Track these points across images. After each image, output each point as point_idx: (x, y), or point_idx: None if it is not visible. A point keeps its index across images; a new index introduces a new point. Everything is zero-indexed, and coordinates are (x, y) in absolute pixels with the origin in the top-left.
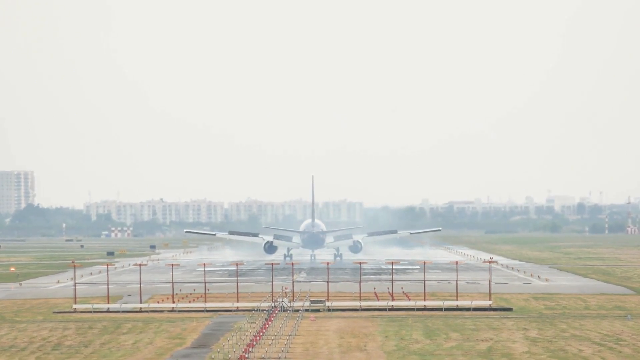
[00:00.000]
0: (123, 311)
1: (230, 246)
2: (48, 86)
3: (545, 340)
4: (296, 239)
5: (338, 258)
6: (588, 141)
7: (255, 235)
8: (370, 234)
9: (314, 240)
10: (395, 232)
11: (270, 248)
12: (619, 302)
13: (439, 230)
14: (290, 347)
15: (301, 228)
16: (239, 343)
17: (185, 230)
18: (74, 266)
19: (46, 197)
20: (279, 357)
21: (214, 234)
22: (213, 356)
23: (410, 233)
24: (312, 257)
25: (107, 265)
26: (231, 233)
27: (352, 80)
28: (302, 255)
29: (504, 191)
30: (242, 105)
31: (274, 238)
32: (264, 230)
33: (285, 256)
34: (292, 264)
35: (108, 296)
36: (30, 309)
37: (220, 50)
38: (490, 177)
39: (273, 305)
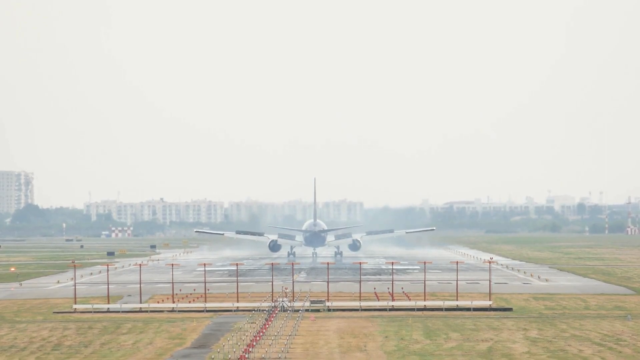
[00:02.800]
0: (123, 311)
1: (233, 245)
2: (48, 86)
3: (545, 341)
4: (299, 237)
5: (339, 256)
6: (588, 141)
7: (261, 234)
8: (369, 233)
9: (315, 238)
10: (392, 231)
11: (274, 246)
12: (619, 302)
13: (433, 229)
14: (290, 347)
15: (304, 227)
16: (239, 343)
17: (195, 230)
18: (74, 266)
19: (46, 197)
20: (279, 357)
21: (222, 234)
22: (213, 356)
23: (406, 232)
24: (314, 255)
25: (107, 265)
26: (238, 233)
27: (352, 81)
28: (304, 253)
29: (504, 191)
30: (242, 105)
31: (278, 237)
32: (268, 229)
33: (288, 254)
34: (293, 264)
35: (108, 296)
36: (30, 309)
37: (219, 49)
38: (490, 177)
39: (273, 305)
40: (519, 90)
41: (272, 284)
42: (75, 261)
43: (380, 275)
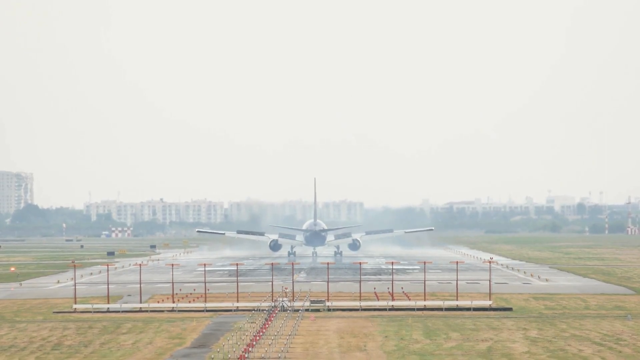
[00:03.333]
0: (123, 311)
1: (233, 245)
2: (48, 86)
3: (545, 340)
4: (299, 237)
5: (338, 255)
6: (588, 141)
7: (262, 234)
8: (368, 233)
9: (316, 238)
10: (391, 231)
11: (275, 246)
12: (619, 302)
13: (432, 229)
14: (290, 347)
15: (304, 227)
16: (238, 343)
17: (197, 230)
18: (74, 266)
19: (46, 197)
20: (279, 357)
21: (223, 234)
22: (213, 356)
23: (405, 232)
24: (314, 254)
25: (107, 265)
26: (239, 232)
27: (352, 81)
28: (304, 253)
29: (504, 191)
30: (241, 105)
31: (279, 237)
32: (269, 229)
33: (289, 253)
34: (293, 264)
35: (108, 296)
36: (30, 309)
37: (219, 50)
38: (490, 177)
39: (273, 305)
40: (519, 91)
41: (272, 284)
42: (75, 261)
43: (380, 275)
